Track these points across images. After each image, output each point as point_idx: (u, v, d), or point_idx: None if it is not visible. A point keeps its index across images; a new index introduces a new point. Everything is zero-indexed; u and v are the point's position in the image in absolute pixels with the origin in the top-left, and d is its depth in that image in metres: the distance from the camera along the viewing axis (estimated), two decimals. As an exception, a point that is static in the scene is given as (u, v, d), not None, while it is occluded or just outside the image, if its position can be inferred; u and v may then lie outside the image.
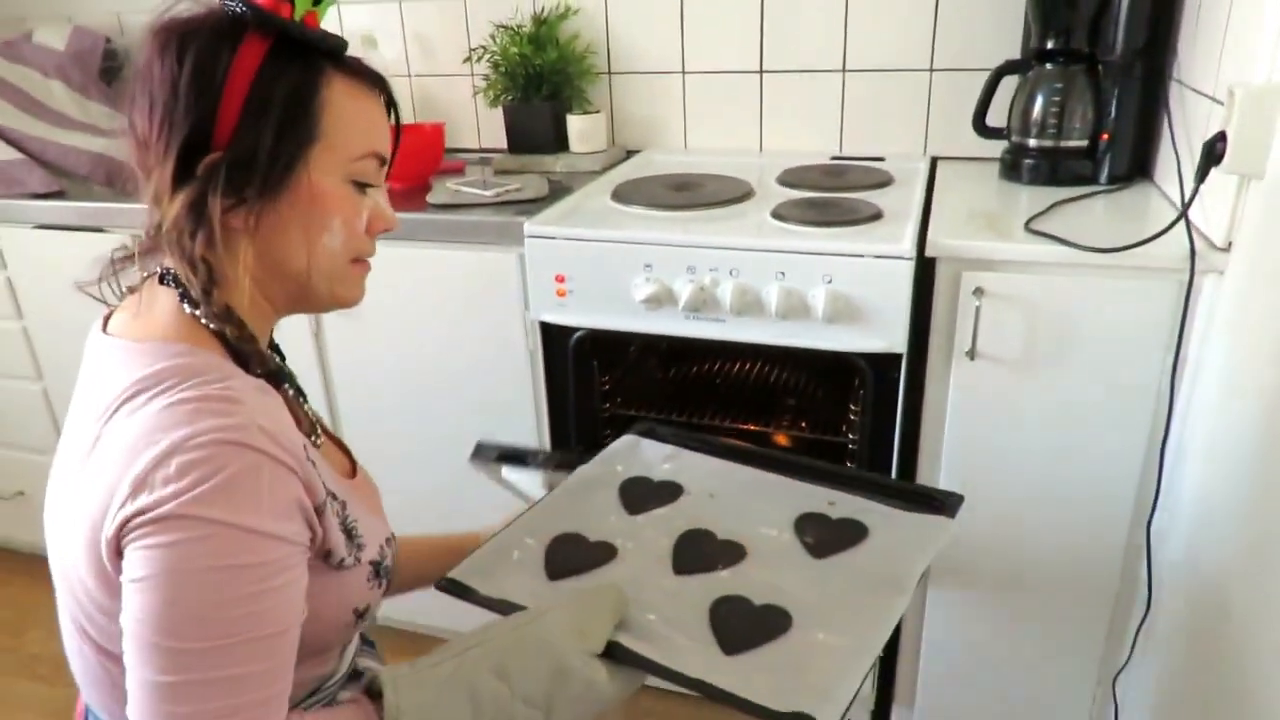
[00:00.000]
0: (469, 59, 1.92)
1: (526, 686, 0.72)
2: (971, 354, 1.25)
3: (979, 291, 1.22)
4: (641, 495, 1.03)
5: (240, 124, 0.69)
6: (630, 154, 1.91)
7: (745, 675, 0.76)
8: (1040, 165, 1.51)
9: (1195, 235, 1.14)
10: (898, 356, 1.29)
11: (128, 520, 0.62)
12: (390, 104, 0.79)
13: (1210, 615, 1.07)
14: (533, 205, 1.53)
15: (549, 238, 1.40)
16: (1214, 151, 1.08)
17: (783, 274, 1.28)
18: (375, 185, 0.78)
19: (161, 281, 0.74)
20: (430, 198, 1.60)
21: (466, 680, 0.71)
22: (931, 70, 1.70)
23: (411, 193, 1.66)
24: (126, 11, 2.18)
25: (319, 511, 0.70)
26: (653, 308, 1.35)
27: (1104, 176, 1.48)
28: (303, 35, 0.72)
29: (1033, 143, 1.51)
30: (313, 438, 0.81)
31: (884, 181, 1.58)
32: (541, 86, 1.82)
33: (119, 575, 0.64)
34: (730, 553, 0.93)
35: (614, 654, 0.77)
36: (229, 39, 0.69)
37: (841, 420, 1.55)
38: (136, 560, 0.62)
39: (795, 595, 0.85)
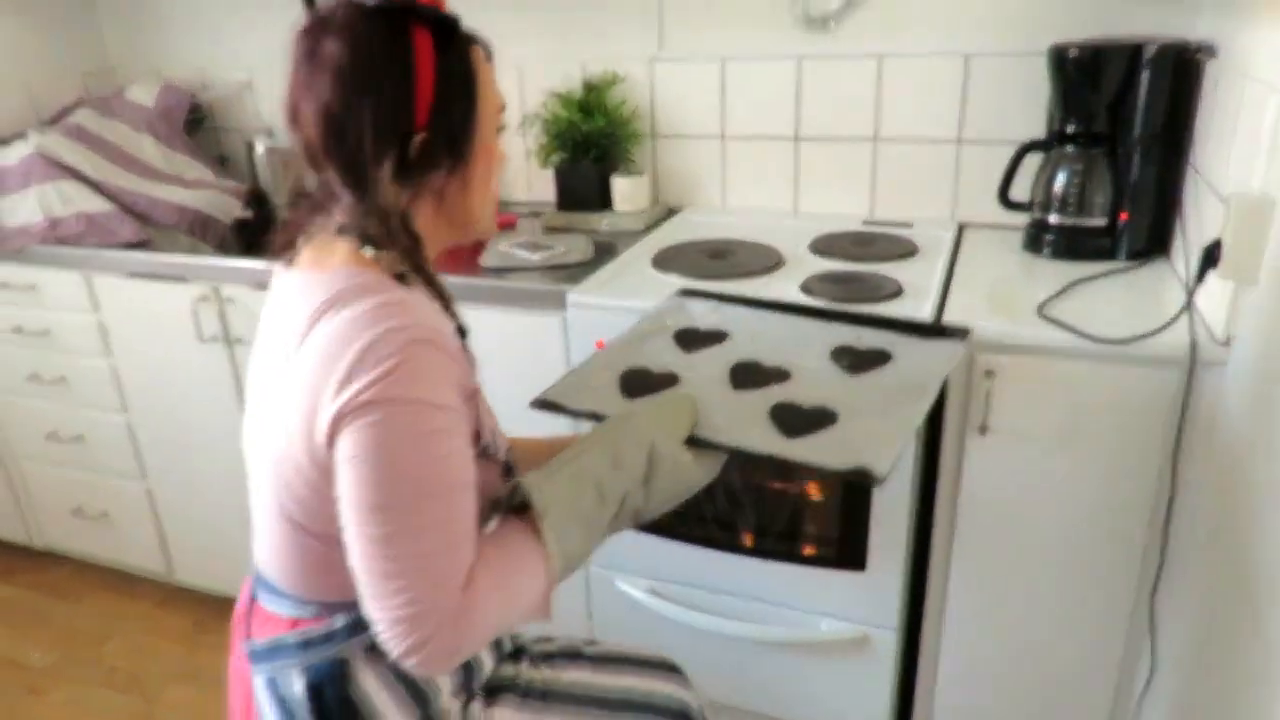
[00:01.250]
0: (523, 124, 2.05)
1: (633, 472, 0.91)
2: (983, 429, 1.33)
3: (990, 374, 1.30)
4: (693, 339, 1.24)
5: (435, 104, 0.84)
6: (672, 212, 2.02)
7: (807, 449, 0.95)
8: (1060, 241, 1.58)
9: (1200, 325, 1.21)
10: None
11: (340, 412, 0.77)
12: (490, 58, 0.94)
13: (1212, 677, 1.14)
14: (578, 270, 1.64)
15: (590, 306, 1.52)
16: (1212, 255, 1.15)
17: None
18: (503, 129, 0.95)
19: (340, 234, 0.87)
20: (483, 260, 1.72)
21: (590, 472, 0.89)
22: (959, 142, 1.77)
23: (465, 251, 1.78)
24: (210, 67, 2.35)
25: (471, 398, 0.86)
26: (685, 375, 1.45)
27: (1122, 253, 1.54)
28: (451, 20, 0.86)
29: (1054, 219, 1.58)
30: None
31: (910, 252, 1.66)
32: (590, 150, 1.94)
33: (332, 456, 0.79)
34: (779, 375, 1.12)
35: (695, 443, 0.96)
36: (402, 30, 0.82)
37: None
38: (350, 441, 0.77)
39: (838, 400, 1.05)
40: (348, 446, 0.77)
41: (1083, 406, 1.28)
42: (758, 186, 1.96)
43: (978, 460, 1.36)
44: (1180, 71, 1.45)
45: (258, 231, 2.21)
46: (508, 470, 0.96)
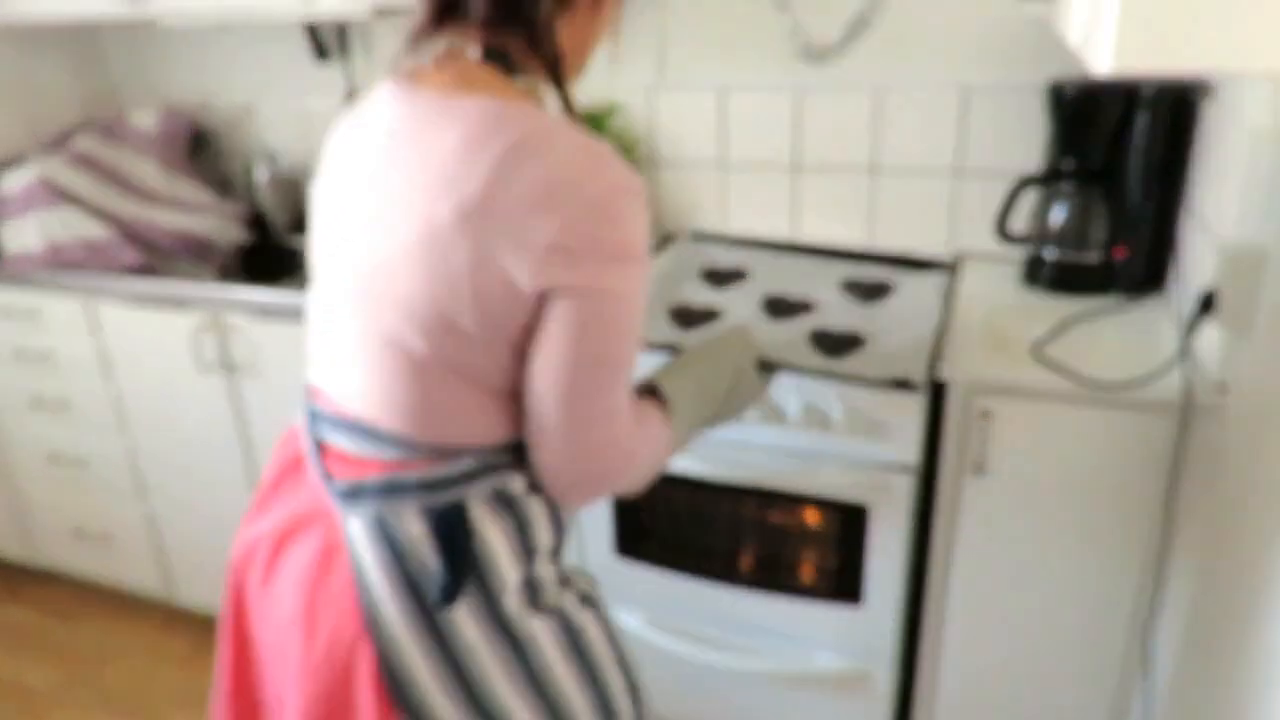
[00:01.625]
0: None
1: (726, 384, 1.08)
2: (979, 469, 1.34)
3: (986, 415, 1.30)
4: (719, 277, 1.52)
5: None
6: (671, 237, 2.03)
7: (852, 366, 1.24)
8: (1057, 275, 1.59)
9: (1196, 369, 1.21)
10: (909, 466, 1.38)
11: (565, 282, 0.79)
12: None
13: (1205, 716, 1.14)
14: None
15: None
16: (1208, 303, 1.16)
17: (798, 390, 1.38)
18: None
19: (486, 59, 0.85)
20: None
21: (702, 378, 1.06)
22: (958, 173, 1.78)
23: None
24: (212, 92, 2.36)
25: None
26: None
27: (1118, 289, 1.55)
28: None
29: (1051, 254, 1.59)
30: None
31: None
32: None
33: (541, 309, 0.81)
34: (804, 306, 1.40)
35: (767, 365, 1.18)
36: None
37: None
38: (575, 308, 0.80)
39: (860, 326, 1.34)
40: (572, 311, 0.80)
41: (1079, 449, 1.29)
42: (757, 214, 1.97)
43: (974, 499, 1.36)
44: (1177, 112, 1.46)
45: (259, 257, 2.22)
46: None
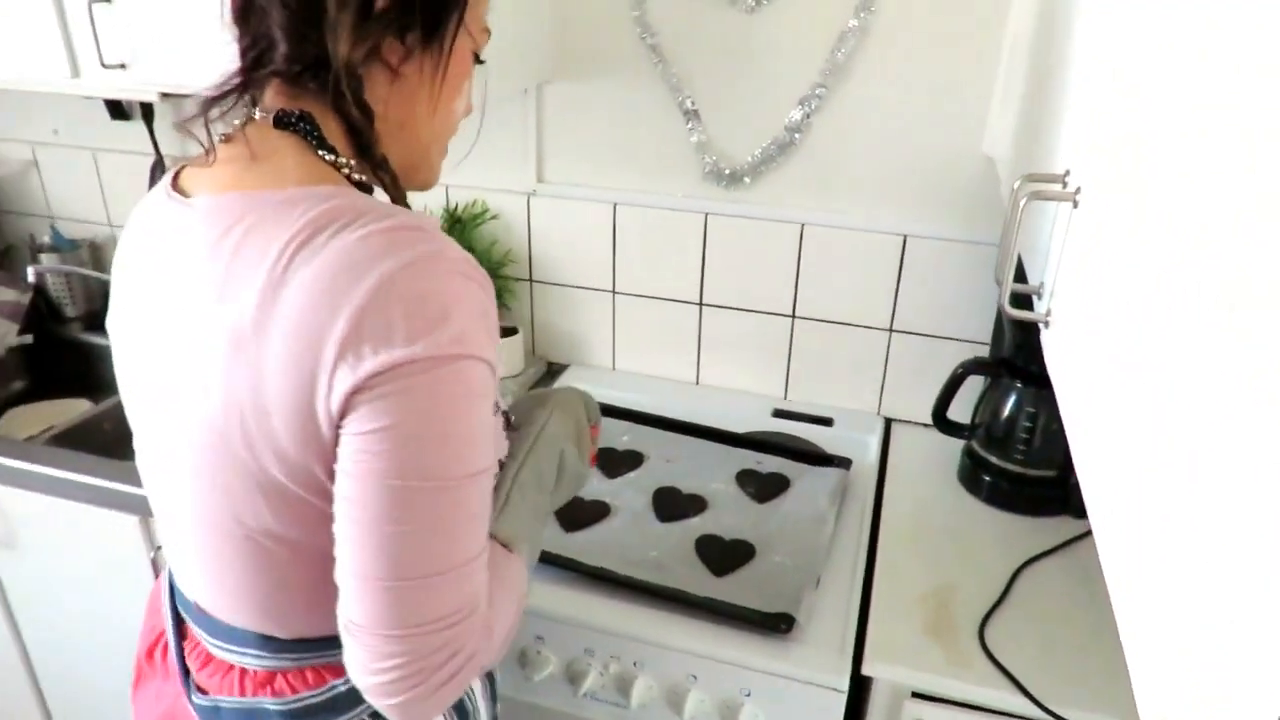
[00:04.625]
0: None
1: (548, 480, 0.84)
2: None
3: (919, 730, 1.04)
4: (612, 462, 1.37)
5: None
6: (552, 368, 1.69)
7: (733, 591, 1.11)
8: (1003, 487, 1.32)
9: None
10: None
11: (367, 375, 0.57)
12: None
13: None
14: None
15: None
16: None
17: (695, 678, 1.09)
18: (482, 63, 0.77)
19: (279, 126, 0.67)
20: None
21: (527, 497, 0.80)
22: (891, 330, 1.50)
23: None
24: (40, 143, 1.88)
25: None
26: (547, 686, 1.15)
27: (1075, 511, 1.30)
28: None
29: (996, 460, 1.32)
30: None
31: (823, 460, 1.39)
32: (450, 303, 1.58)
33: (343, 433, 0.59)
34: (696, 503, 1.29)
35: (634, 585, 1.10)
36: None
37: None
38: (380, 409, 0.58)
39: (751, 532, 1.22)
40: (373, 417, 0.58)
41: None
42: (655, 349, 1.65)
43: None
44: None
45: (40, 366, 1.79)
46: (509, 422, 0.84)
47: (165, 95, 1.33)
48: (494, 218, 1.61)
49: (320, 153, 0.67)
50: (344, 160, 0.68)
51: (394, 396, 0.58)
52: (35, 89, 1.39)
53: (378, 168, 0.70)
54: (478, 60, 0.76)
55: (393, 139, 0.72)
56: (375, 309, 0.57)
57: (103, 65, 1.28)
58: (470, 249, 1.55)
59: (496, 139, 1.56)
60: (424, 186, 0.79)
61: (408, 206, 0.70)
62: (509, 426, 0.82)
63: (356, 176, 0.68)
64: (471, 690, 0.84)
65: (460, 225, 1.59)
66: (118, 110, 1.72)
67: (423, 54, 0.69)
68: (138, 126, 1.70)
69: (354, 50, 0.65)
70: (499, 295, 1.63)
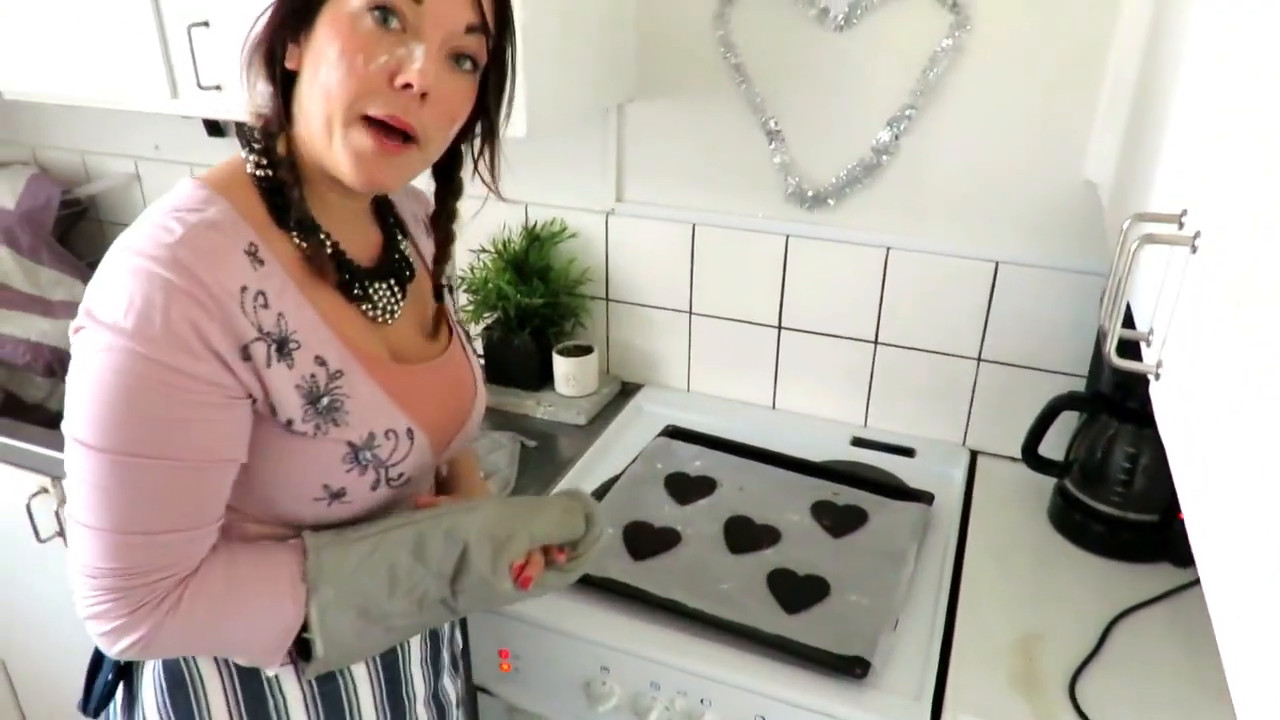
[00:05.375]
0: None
1: (441, 567, 0.79)
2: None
3: (1002, 790, 0.98)
4: (685, 487, 1.34)
5: None
6: (626, 387, 1.68)
7: (806, 629, 1.05)
8: (1097, 530, 1.25)
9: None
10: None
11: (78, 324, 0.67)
12: None
13: None
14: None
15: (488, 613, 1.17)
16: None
17: (763, 718, 1.05)
18: (407, 22, 0.69)
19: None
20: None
21: (386, 556, 0.77)
22: (979, 360, 1.43)
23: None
24: (92, 153, 1.97)
25: (246, 357, 0.68)
26: (611, 719, 1.13)
27: (1175, 559, 1.22)
28: None
29: (1090, 501, 1.25)
30: (370, 306, 0.80)
31: (905, 494, 1.33)
32: (527, 322, 1.58)
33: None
34: (769, 535, 1.24)
35: (704, 619, 1.06)
36: None
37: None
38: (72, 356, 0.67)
39: (826, 567, 1.17)
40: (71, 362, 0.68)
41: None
42: (731, 371, 1.62)
43: None
44: None
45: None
46: (357, 458, 0.77)
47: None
48: (573, 236, 1.60)
49: (243, 154, 0.75)
50: (252, 160, 0.75)
51: (78, 349, 0.67)
52: (137, 108, 1.45)
53: (276, 166, 0.74)
54: (388, 19, 0.69)
55: (306, 136, 0.73)
56: (95, 278, 0.68)
57: (199, 87, 1.32)
58: (548, 267, 1.57)
59: (577, 158, 1.56)
60: (358, 182, 0.72)
61: (293, 199, 0.74)
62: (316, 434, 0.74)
63: (259, 173, 0.74)
64: (349, 673, 0.84)
65: (539, 243, 1.59)
66: (214, 128, 1.79)
67: (309, 37, 0.71)
68: (233, 143, 1.75)
69: (250, 53, 0.74)
70: (575, 313, 1.63)
